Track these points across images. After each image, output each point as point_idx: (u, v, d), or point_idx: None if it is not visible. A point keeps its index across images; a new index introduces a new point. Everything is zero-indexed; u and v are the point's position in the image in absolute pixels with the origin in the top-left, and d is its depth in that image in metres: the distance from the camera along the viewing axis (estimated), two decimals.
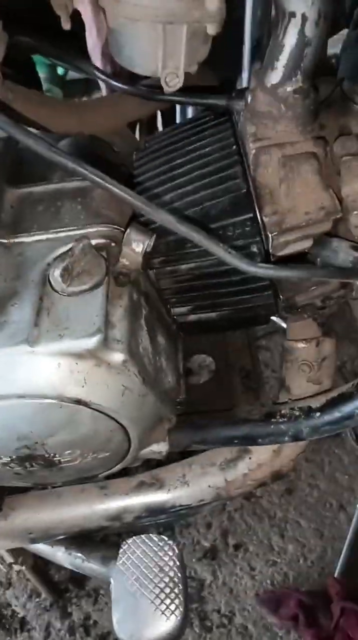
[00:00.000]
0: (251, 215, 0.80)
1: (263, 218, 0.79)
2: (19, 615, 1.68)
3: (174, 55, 0.67)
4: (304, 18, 0.68)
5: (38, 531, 1.06)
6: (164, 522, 1.13)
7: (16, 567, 1.31)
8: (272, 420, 1.03)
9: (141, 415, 0.77)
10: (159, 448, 0.89)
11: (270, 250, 0.81)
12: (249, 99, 0.78)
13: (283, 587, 1.71)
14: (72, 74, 2.79)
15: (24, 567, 1.32)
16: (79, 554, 1.06)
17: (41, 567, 1.62)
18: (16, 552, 1.29)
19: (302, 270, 0.69)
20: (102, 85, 1.10)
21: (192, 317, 0.95)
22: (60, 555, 1.09)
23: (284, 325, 1.08)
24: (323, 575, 1.74)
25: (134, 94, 0.85)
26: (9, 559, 1.29)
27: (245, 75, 1.12)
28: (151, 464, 1.08)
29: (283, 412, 1.04)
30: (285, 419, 1.03)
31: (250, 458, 1.12)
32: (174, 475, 1.11)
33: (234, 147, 0.83)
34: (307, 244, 0.82)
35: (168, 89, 0.71)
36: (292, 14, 0.69)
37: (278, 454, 1.13)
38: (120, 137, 0.97)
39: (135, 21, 0.62)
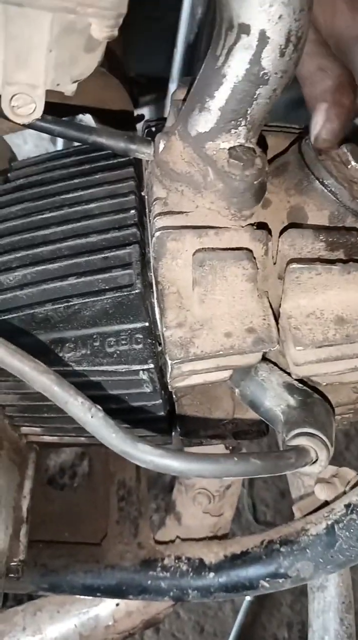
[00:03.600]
0: (144, 324, 0.52)
1: (163, 330, 0.51)
2: None
3: (26, 64, 0.37)
4: (263, 38, 0.41)
5: None
6: None
7: None
8: (150, 572, 0.76)
9: None
10: None
11: (168, 379, 0.53)
12: (161, 146, 0.49)
13: None
14: None
15: None
16: None
17: None
18: None
19: (209, 464, 0.41)
20: None
21: (48, 439, 0.66)
22: None
23: None
24: None
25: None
26: None
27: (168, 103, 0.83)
28: None
29: (165, 562, 0.77)
30: (167, 574, 0.76)
31: (117, 604, 0.84)
32: (11, 628, 0.81)
33: (133, 211, 0.54)
34: (221, 377, 0.55)
35: (17, 119, 0.41)
36: (244, 28, 0.41)
37: None
38: None
39: None
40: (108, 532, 0.80)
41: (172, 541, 0.80)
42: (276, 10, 0.39)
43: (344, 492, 0.70)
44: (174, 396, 0.60)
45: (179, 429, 0.62)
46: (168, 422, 0.60)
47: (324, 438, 0.49)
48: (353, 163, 0.51)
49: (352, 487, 0.69)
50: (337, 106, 0.48)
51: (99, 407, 0.41)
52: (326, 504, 0.72)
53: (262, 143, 0.53)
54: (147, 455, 0.39)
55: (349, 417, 0.65)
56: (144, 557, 0.77)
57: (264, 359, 0.57)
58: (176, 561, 0.75)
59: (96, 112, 0.66)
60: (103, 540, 0.79)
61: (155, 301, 0.53)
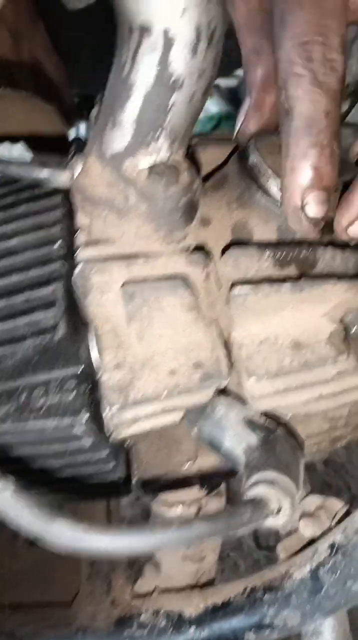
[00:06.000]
0: (75, 370, 0.46)
1: (100, 374, 0.45)
2: None
3: None
4: (168, 37, 0.35)
5: None
6: None
7: None
8: (126, 632, 0.69)
9: None
10: None
11: (108, 431, 0.47)
12: (77, 170, 0.44)
13: None
14: None
15: None
16: None
17: None
18: None
19: (141, 537, 0.34)
20: None
21: None
22: None
23: None
24: None
25: None
26: None
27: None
28: None
29: (142, 619, 0.70)
30: (145, 631, 0.69)
31: None
32: None
33: (58, 243, 0.49)
34: (171, 419, 0.49)
35: None
36: (145, 28, 0.35)
37: None
38: None
39: None
40: (79, 590, 0.73)
41: (150, 593, 0.73)
42: (178, 3, 0.34)
43: (330, 528, 0.64)
44: (128, 442, 0.54)
45: (135, 479, 0.56)
46: (122, 473, 0.54)
47: (287, 483, 0.42)
48: None
49: (338, 522, 0.63)
50: (258, 107, 0.43)
51: (10, 478, 0.35)
52: (312, 541, 0.66)
53: (194, 156, 0.48)
54: (61, 538, 0.33)
55: (325, 446, 0.59)
56: (119, 615, 0.70)
57: (223, 392, 0.51)
58: (154, 616, 0.68)
59: (22, 138, 0.61)
60: (74, 601, 0.72)
61: (91, 341, 0.47)
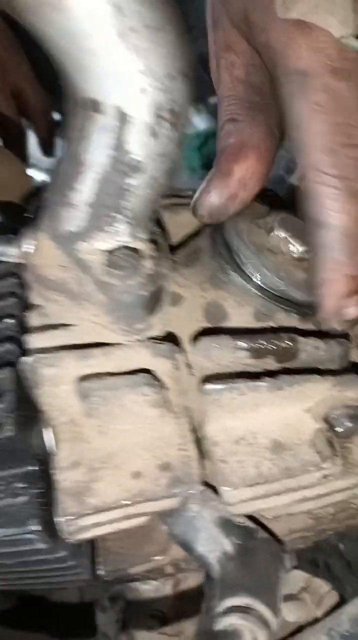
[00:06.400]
0: (26, 469, 0.40)
1: (54, 473, 0.40)
2: None
3: None
4: (123, 117, 0.30)
5: None
6: None
7: None
8: None
9: None
10: None
11: (64, 536, 0.41)
12: (27, 248, 0.38)
13: None
14: None
15: None
16: None
17: None
18: None
19: None
20: None
21: None
22: None
23: None
24: None
25: None
26: None
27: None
28: None
29: None
30: None
31: None
32: None
33: (8, 320, 0.43)
34: (136, 523, 0.44)
35: None
36: (95, 105, 0.30)
37: None
38: None
39: None
40: None
41: None
42: (132, 82, 0.29)
43: (316, 619, 0.58)
44: None
45: (102, 568, 0.51)
46: (87, 569, 0.49)
47: (263, 611, 0.37)
48: (275, 232, 0.41)
49: (326, 612, 0.58)
50: (225, 177, 0.39)
51: None
52: (300, 628, 0.60)
53: (162, 224, 0.43)
54: None
55: (310, 538, 0.53)
56: None
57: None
58: None
59: None
60: None
61: (45, 434, 0.42)
